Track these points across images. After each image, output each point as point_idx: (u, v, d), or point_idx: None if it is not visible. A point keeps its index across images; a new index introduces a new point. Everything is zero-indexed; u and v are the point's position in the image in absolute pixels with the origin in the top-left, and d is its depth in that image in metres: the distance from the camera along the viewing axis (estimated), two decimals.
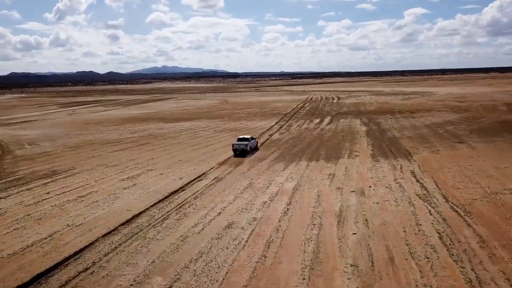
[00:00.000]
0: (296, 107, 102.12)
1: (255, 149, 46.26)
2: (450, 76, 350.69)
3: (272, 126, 67.03)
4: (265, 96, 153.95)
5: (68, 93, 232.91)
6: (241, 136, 46.79)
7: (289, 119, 76.21)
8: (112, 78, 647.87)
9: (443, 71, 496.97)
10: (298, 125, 67.25)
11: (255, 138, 48.93)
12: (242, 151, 42.99)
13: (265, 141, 52.35)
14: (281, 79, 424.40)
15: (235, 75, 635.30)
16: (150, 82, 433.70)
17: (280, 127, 65.56)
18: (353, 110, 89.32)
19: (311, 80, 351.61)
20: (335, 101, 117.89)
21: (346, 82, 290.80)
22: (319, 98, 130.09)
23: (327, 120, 73.17)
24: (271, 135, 57.76)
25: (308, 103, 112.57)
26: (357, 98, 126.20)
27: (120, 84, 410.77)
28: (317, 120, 72.95)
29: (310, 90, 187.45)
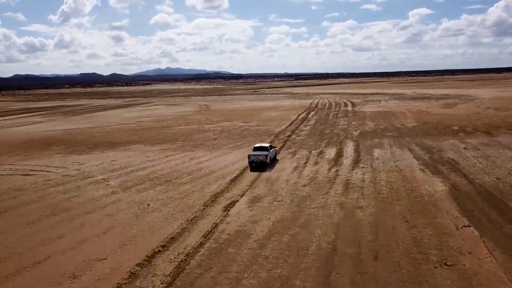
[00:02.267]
0: (296, 119, 67.62)
1: (274, 159, 35.00)
2: (463, 76, 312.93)
3: (244, 170, 32.66)
4: (260, 100, 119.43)
5: (45, 96, 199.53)
6: (258, 145, 35.84)
7: (281, 148, 41.81)
8: (114, 79, 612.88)
9: (451, 72, 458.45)
10: (295, 167, 32.78)
11: (274, 147, 37.62)
12: (261, 163, 32.08)
13: (207, 238, 18.13)
14: (283, 80, 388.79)
15: (238, 77, 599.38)
16: (149, 84, 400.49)
17: (261, 173, 31.24)
18: (384, 126, 54.64)
19: (315, 81, 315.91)
20: (349, 108, 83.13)
21: (353, 83, 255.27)
22: (327, 104, 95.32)
23: (349, 151, 38.61)
24: (227, 207, 23.38)
25: (313, 112, 77.97)
26: (377, 104, 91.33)
27: (118, 86, 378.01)
28: (331, 153, 38.36)
29: (315, 92, 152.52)
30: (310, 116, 71.60)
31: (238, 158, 36.84)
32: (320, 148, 40.38)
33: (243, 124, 63.16)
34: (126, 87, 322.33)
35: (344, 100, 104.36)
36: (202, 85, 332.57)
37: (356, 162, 33.82)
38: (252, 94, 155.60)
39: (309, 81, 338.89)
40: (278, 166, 33.57)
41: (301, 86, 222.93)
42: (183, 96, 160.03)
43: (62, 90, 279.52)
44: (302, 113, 77.14)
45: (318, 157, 36.26)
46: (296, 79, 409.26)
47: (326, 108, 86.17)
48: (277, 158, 36.64)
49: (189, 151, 41.71)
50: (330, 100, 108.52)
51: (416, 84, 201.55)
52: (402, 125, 55.33)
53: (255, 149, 34.38)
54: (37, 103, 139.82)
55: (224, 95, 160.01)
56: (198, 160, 37.04)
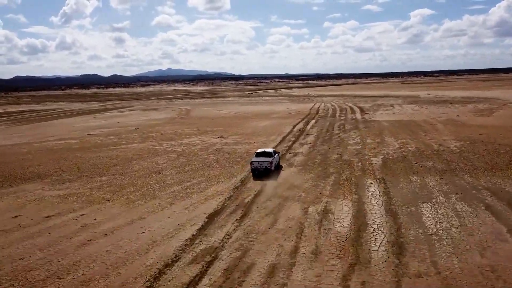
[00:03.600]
0: (291, 132, 49.71)
1: (278, 166, 30.24)
2: (471, 77, 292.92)
3: (157, 277, 14.80)
4: (253, 104, 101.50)
5: (28, 98, 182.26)
6: (261, 150, 30.49)
7: (257, 196, 23.86)
8: (115, 81, 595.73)
9: (455, 72, 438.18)
10: (269, 271, 14.85)
11: (279, 152, 32.09)
12: (265, 170, 27.75)
13: None
14: (284, 81, 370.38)
15: (238, 78, 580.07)
16: (147, 85, 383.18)
17: None
18: (415, 148, 36.45)
19: (316, 82, 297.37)
20: (358, 116, 65.10)
21: (356, 84, 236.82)
22: (331, 110, 77.35)
23: (376, 211, 20.25)
24: None
25: (313, 121, 60.04)
26: (391, 109, 73.30)
27: (114, 87, 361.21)
28: (344, 215, 20.01)
29: (316, 94, 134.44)
30: (309, 127, 53.62)
31: (168, 230, 18.93)
32: (323, 201, 22.35)
33: (217, 140, 45.26)
34: (121, 89, 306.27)
35: (350, 104, 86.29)
36: (200, 86, 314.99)
37: (398, 250, 15.81)
38: (247, 97, 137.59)
39: (310, 82, 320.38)
40: (237, 258, 15.65)
41: (301, 88, 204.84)
42: (172, 98, 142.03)
43: (53, 92, 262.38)
44: (299, 122, 59.22)
45: (319, 229, 18.27)
46: (296, 80, 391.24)
47: (329, 115, 68.14)
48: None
49: (100, 202, 23.83)
50: (333, 104, 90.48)
51: (424, 85, 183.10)
52: (441, 145, 37.28)
53: (258, 154, 29.55)
54: (10, 107, 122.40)
55: (217, 97, 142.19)
56: (93, 231, 19.14)
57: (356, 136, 44.20)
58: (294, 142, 42.44)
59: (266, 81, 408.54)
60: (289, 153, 36.19)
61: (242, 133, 50.39)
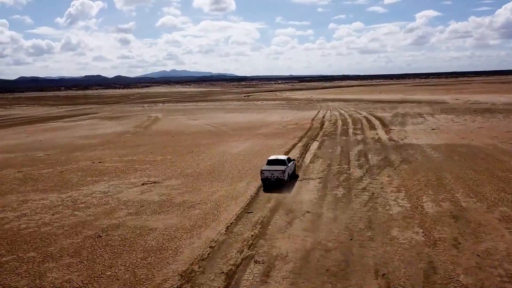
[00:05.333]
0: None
1: (293, 175, 25.10)
2: (482, 78, 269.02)
3: None
4: (241, 111, 79.71)
5: (7, 101, 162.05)
6: (273, 157, 25.57)
7: None
8: (118, 82, 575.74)
9: (463, 74, 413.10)
10: None
11: (293, 160, 26.70)
12: (277, 181, 23.05)
13: None
14: (287, 83, 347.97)
15: (242, 79, 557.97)
16: (147, 86, 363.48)
17: None
18: None
19: (320, 84, 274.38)
20: (381, 134, 43.21)
21: (362, 86, 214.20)
22: (340, 122, 55.36)
23: None
24: None
25: (316, 145, 38.10)
26: (423, 122, 51.27)
27: (115, 89, 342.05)
28: None
29: (320, 98, 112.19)
30: (308, 159, 31.74)
31: None
32: None
33: (135, 193, 23.63)
34: (117, 90, 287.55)
35: (364, 113, 64.32)
36: (200, 87, 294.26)
37: None
38: (240, 101, 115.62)
39: (314, 83, 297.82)
40: None
41: (304, 89, 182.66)
42: (153, 102, 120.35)
43: (45, 94, 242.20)
44: (294, 145, 37.43)
45: None
46: (300, 81, 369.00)
47: (338, 132, 46.18)
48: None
49: None
50: (342, 112, 68.56)
51: (439, 87, 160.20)
52: None
53: (270, 162, 24.76)
54: None
55: (206, 101, 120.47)
56: None
57: (398, 190, 22.30)
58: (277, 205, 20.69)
59: (269, 82, 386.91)
60: (257, 263, 14.42)
61: (195, 171, 28.66)
